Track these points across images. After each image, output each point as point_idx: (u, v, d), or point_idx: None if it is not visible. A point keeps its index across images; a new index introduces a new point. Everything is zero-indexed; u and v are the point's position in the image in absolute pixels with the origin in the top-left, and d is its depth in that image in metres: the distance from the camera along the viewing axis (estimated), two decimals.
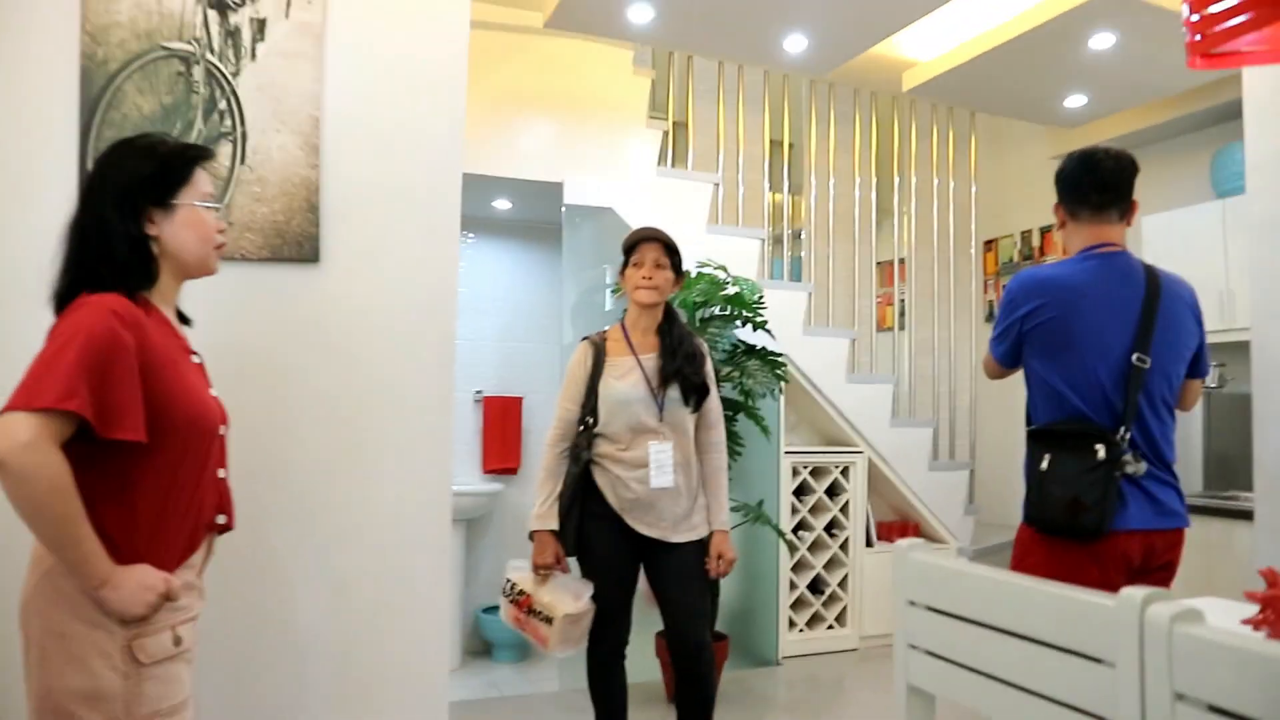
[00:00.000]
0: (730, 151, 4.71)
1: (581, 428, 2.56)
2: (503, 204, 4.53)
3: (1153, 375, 2.05)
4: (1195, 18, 1.84)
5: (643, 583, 2.62)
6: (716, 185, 4.49)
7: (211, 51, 2.29)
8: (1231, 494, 3.76)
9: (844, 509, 4.45)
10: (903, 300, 5.27)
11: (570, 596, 2.48)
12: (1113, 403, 2.03)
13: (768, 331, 3.80)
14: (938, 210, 5.30)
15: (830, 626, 4.42)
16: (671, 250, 2.60)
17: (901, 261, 5.22)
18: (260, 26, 2.33)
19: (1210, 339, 2.28)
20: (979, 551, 4.77)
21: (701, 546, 2.58)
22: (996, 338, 2.22)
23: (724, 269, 3.82)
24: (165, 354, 1.45)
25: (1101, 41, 3.89)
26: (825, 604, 4.41)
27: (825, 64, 4.33)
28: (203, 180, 1.57)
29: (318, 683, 2.33)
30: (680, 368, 2.56)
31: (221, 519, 1.61)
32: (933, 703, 1.48)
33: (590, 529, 2.54)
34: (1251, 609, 1.33)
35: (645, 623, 2.85)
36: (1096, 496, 1.97)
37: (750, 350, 3.80)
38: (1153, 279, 2.10)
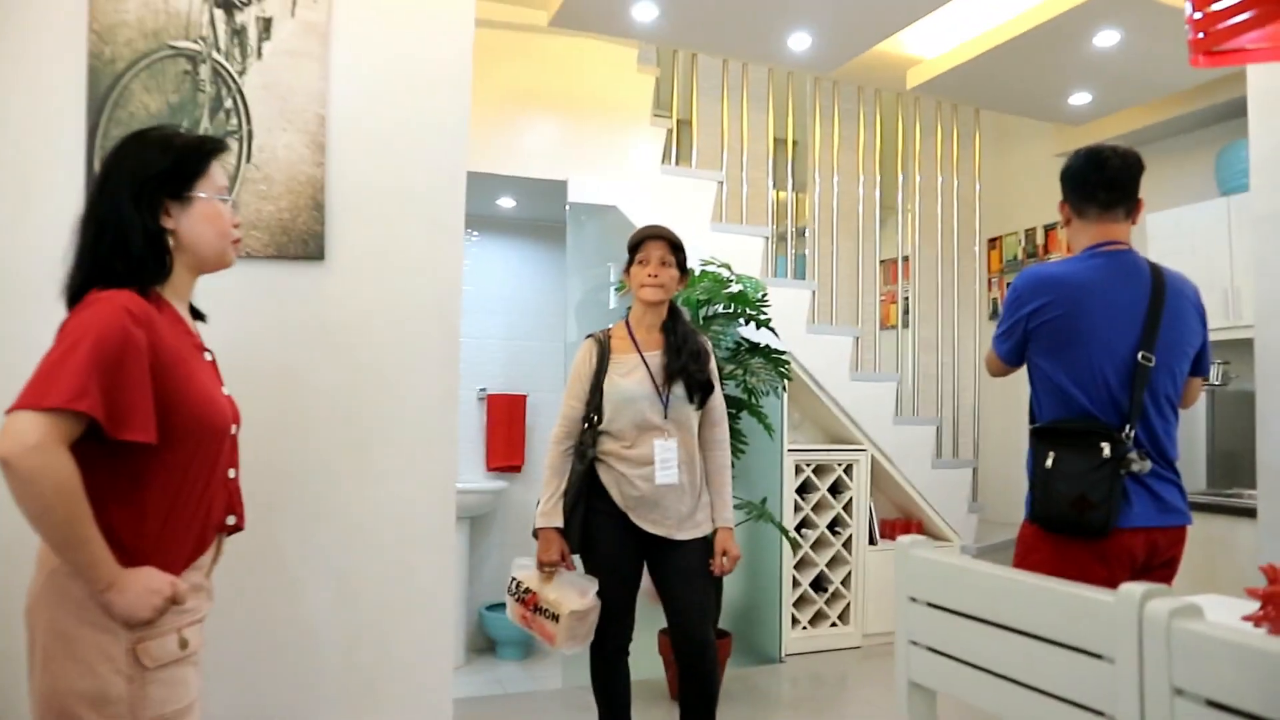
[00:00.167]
0: (734, 149, 4.71)
1: (586, 425, 2.57)
2: (507, 202, 4.54)
3: (1158, 373, 2.05)
4: (1198, 15, 1.84)
5: (646, 580, 2.63)
6: (720, 183, 4.50)
7: (218, 50, 2.30)
8: (1235, 491, 3.76)
9: (847, 507, 4.45)
10: (906, 298, 5.27)
11: (576, 593, 2.48)
12: (1118, 400, 2.04)
13: (771, 329, 3.81)
14: (941, 208, 5.30)
15: (833, 624, 4.42)
16: (677, 248, 2.61)
17: (905, 259, 5.22)
18: (266, 25, 2.34)
19: (1214, 337, 2.28)
20: (982, 549, 4.77)
21: (705, 544, 2.59)
22: (1001, 335, 2.22)
23: (728, 267, 3.82)
24: (176, 353, 1.42)
25: (1106, 39, 3.89)
26: (828, 601, 4.41)
27: (829, 62, 4.34)
28: (218, 173, 1.54)
29: (322, 680, 2.34)
30: (685, 365, 2.56)
31: (231, 519, 1.58)
32: (934, 698, 1.48)
33: (595, 526, 2.55)
34: (1252, 606, 1.33)
35: (649, 620, 2.85)
36: (1103, 494, 1.97)
37: (754, 348, 3.81)
38: (1158, 277, 2.10)
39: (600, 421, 2.55)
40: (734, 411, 3.65)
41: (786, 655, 4.25)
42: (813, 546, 4.38)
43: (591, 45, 4.24)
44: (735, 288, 3.79)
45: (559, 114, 4.21)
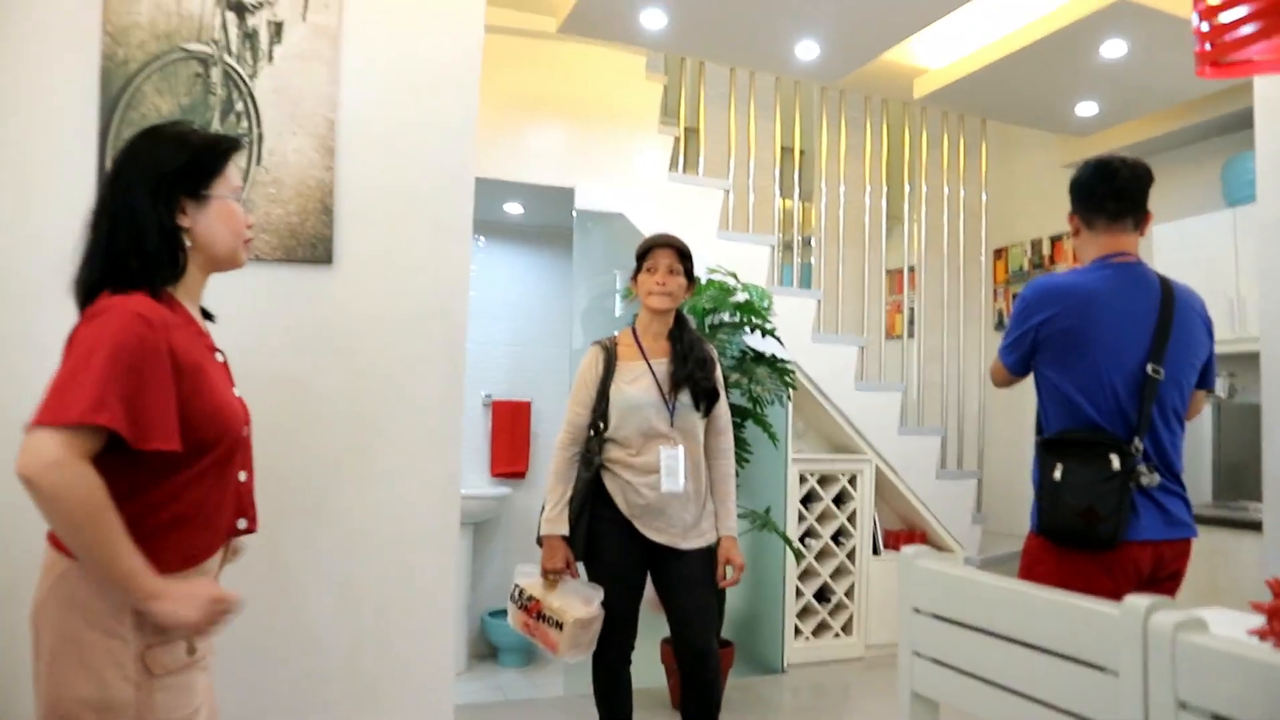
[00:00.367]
0: (741, 158, 4.72)
1: (592, 432, 2.57)
2: (514, 208, 4.55)
3: (1166, 386, 2.05)
4: (1205, 27, 1.83)
5: (648, 589, 2.62)
6: (727, 191, 4.50)
7: (229, 53, 2.32)
8: (1240, 504, 3.75)
9: (851, 517, 4.44)
10: (912, 308, 5.26)
11: (581, 601, 2.48)
12: (1126, 413, 2.03)
13: (777, 338, 3.81)
14: (948, 218, 5.30)
15: (836, 635, 4.41)
16: (685, 256, 2.61)
17: (911, 269, 5.21)
18: (277, 29, 2.35)
19: (1221, 349, 2.27)
20: (986, 560, 4.75)
21: (709, 553, 2.58)
22: (1009, 345, 2.22)
23: (734, 275, 3.82)
24: (189, 356, 1.39)
25: (1113, 49, 3.89)
26: (832, 612, 4.40)
27: (836, 71, 4.34)
28: (234, 173, 1.52)
29: (324, 684, 2.34)
30: (691, 373, 2.56)
31: (242, 523, 1.55)
32: (937, 710, 1.47)
33: (600, 534, 2.54)
34: (1257, 619, 1.32)
35: (651, 629, 2.85)
36: (1111, 507, 1.97)
37: (759, 357, 3.80)
38: (1167, 290, 2.10)
39: (606, 429, 2.55)
40: (739, 420, 3.64)
41: (789, 665, 4.23)
42: (816, 557, 4.37)
43: (600, 52, 4.26)
44: (741, 296, 3.79)
45: (566, 120, 4.22)
